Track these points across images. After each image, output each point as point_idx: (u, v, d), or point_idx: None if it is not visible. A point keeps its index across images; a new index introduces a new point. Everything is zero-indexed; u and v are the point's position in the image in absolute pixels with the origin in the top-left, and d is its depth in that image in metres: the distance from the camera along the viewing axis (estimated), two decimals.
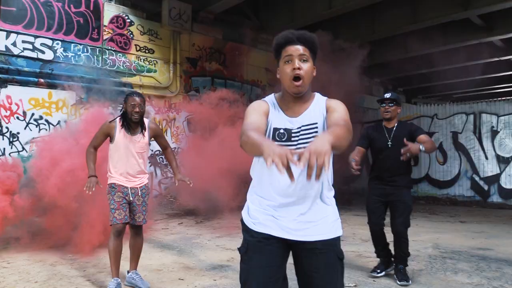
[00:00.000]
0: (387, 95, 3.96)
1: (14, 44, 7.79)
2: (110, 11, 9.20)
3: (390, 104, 3.89)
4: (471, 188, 9.71)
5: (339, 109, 1.85)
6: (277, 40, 1.89)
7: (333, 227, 1.83)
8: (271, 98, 1.98)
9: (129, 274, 3.63)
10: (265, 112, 1.88)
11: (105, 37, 9.06)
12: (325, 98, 1.96)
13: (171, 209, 8.80)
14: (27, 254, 4.67)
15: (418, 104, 10.85)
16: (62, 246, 4.87)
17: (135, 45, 9.61)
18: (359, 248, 5.10)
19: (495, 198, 9.33)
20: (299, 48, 1.82)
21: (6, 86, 7.65)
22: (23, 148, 7.86)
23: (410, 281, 3.75)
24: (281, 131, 1.84)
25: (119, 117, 3.55)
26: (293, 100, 1.89)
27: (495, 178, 9.38)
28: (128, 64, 9.44)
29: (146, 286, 3.50)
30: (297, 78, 1.80)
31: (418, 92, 20.21)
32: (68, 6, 8.50)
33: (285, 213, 1.80)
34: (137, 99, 3.49)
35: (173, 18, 9.99)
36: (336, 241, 1.83)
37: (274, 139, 1.83)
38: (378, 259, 4.09)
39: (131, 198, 3.49)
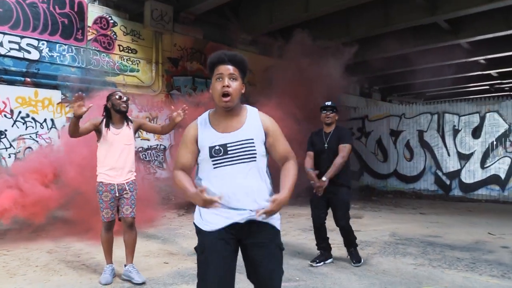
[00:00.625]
0: (328, 103, 4.46)
1: (1, 44, 8.05)
2: (94, 12, 9.51)
3: (330, 111, 4.42)
4: (435, 183, 10.45)
5: (278, 135, 2.15)
6: (211, 59, 2.12)
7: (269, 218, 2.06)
8: (204, 116, 2.19)
9: (126, 267, 3.85)
10: (191, 141, 2.12)
11: (89, 38, 9.37)
12: (256, 110, 2.20)
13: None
14: (24, 243, 5.10)
15: (388, 104, 11.47)
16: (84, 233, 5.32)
17: (119, 45, 9.95)
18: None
19: (456, 192, 10.08)
20: (229, 68, 2.05)
21: None
22: (11, 145, 8.18)
23: (362, 260, 4.33)
24: (217, 147, 2.05)
25: (103, 118, 3.82)
26: (225, 115, 2.11)
27: (456, 174, 10.12)
28: (112, 64, 9.78)
29: (142, 279, 3.69)
30: (225, 94, 2.03)
31: (392, 91, 21.03)
32: (53, 7, 8.79)
33: (232, 212, 2.05)
34: (121, 92, 3.93)
35: (155, 19, 10.34)
36: (274, 230, 2.13)
37: (212, 156, 2.05)
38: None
39: (117, 194, 3.76)
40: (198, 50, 11.79)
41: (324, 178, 4.13)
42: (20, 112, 8.27)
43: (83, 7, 9.31)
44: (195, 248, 2.14)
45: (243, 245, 2.11)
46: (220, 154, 2.04)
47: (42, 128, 8.63)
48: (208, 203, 1.90)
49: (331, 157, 4.25)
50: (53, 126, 8.81)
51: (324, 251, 4.43)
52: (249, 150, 2.06)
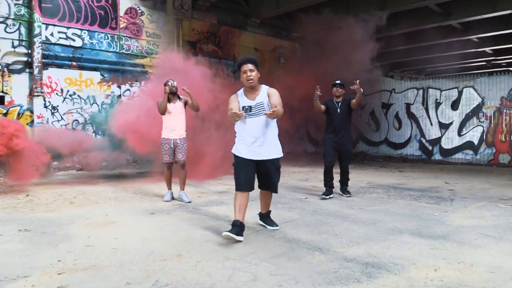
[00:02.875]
0: (338, 81, 6.11)
1: (52, 34, 9.76)
2: (124, 3, 11.10)
3: (339, 87, 6.08)
4: (419, 149, 12.03)
5: (275, 94, 3.87)
6: (239, 62, 3.94)
7: (275, 152, 3.95)
8: (240, 91, 3.99)
9: (180, 193, 5.79)
10: (236, 100, 3.94)
11: (121, 26, 11.01)
12: (266, 87, 3.96)
13: None
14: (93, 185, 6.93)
15: (380, 80, 12.87)
16: None
17: (146, 31, 11.58)
18: (316, 184, 7.42)
19: (437, 156, 11.67)
20: (249, 65, 3.84)
21: (47, 69, 9.68)
22: (62, 118, 9.98)
23: (351, 195, 6.14)
24: (246, 107, 3.87)
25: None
26: (250, 91, 3.91)
27: (437, 141, 11.68)
28: (141, 48, 11.44)
29: (188, 200, 5.65)
30: (250, 80, 3.82)
31: (394, 67, 22.30)
32: (92, 0, 10.41)
33: (252, 145, 3.86)
34: (170, 82, 5.72)
35: (176, 8, 11.92)
36: (277, 159, 3.97)
37: (244, 110, 3.84)
38: (325, 189, 6.16)
39: (172, 145, 5.72)
40: (213, 34, 13.34)
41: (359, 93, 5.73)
42: (68, 91, 10.04)
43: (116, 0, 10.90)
44: (233, 164, 3.93)
45: (258, 165, 3.92)
46: (248, 111, 3.87)
47: (86, 104, 10.42)
48: (238, 115, 3.69)
49: (343, 118, 5.99)
50: (95, 102, 10.59)
51: (330, 188, 6.06)
52: (262, 108, 3.87)
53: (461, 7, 13.68)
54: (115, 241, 3.73)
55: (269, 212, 4.30)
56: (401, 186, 7.19)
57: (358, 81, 5.65)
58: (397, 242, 3.71)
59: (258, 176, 4.03)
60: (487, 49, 19.42)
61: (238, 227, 3.66)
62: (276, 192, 4.11)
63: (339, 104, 6.08)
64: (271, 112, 3.63)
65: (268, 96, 3.89)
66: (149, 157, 8.18)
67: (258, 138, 3.85)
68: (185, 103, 5.88)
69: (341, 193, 6.22)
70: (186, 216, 4.81)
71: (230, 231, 3.60)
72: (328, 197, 5.98)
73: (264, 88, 3.95)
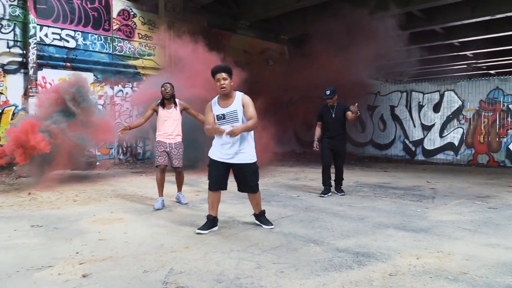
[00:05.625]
0: (328, 92, 6.32)
1: (46, 35, 9.92)
2: (117, 5, 11.30)
3: (330, 97, 6.34)
4: (403, 149, 12.52)
5: (249, 105, 4.05)
6: (212, 70, 4.09)
7: (247, 157, 4.14)
8: (215, 99, 4.21)
9: (177, 194, 5.82)
10: (210, 111, 4.16)
11: (114, 28, 11.21)
12: (241, 93, 4.15)
13: None
14: (92, 185, 7.15)
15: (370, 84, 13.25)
16: None
17: (138, 33, 11.80)
18: (306, 183, 7.79)
19: (420, 157, 12.18)
20: (222, 74, 4.03)
21: (42, 69, 9.83)
22: None
23: (344, 193, 6.52)
24: (220, 115, 4.11)
25: (158, 101, 5.75)
26: (224, 98, 4.12)
27: (420, 142, 12.18)
28: (133, 49, 11.65)
29: (186, 201, 5.70)
30: (223, 88, 4.02)
31: (378, 70, 22.86)
32: (85, 2, 10.59)
33: (225, 149, 4.11)
34: (167, 85, 5.78)
35: (168, 11, 12.16)
36: (252, 163, 4.18)
37: (218, 119, 4.09)
38: (322, 188, 6.50)
39: (167, 149, 5.64)
40: (204, 36, 13.57)
41: (352, 112, 6.13)
42: None
43: (109, 1, 11.10)
44: (208, 165, 4.23)
45: (233, 168, 4.20)
46: (222, 119, 4.11)
47: None
48: (218, 131, 3.94)
49: (337, 123, 6.38)
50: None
51: (328, 187, 6.45)
52: (235, 116, 4.09)
53: (441, 13, 14.30)
54: (125, 235, 4.02)
55: (263, 212, 4.47)
56: (386, 185, 7.61)
57: (356, 104, 6.05)
58: (383, 235, 4.09)
59: (235, 179, 4.29)
60: (468, 53, 20.21)
61: (211, 222, 4.23)
62: (254, 192, 4.30)
63: (334, 108, 6.43)
64: (230, 131, 3.82)
65: (243, 105, 4.09)
66: None
67: (231, 143, 4.08)
68: (183, 110, 5.76)
69: (335, 191, 6.60)
70: (187, 213, 5.12)
71: (201, 228, 4.15)
72: (326, 195, 6.34)
73: (238, 96, 4.16)
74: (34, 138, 6.61)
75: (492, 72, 24.44)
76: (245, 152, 4.13)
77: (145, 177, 8.39)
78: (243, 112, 4.08)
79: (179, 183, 5.86)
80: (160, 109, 5.71)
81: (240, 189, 4.31)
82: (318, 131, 6.59)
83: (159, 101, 5.78)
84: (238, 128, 3.89)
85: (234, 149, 4.09)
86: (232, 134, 3.85)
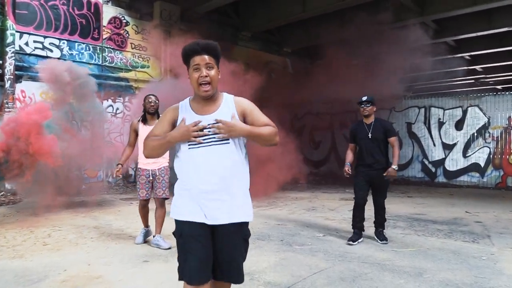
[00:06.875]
0: (364, 98, 4.82)
1: (26, 44, 8.79)
2: (108, 12, 10.24)
3: (368, 105, 4.82)
4: (422, 170, 11.44)
5: (255, 110, 2.16)
6: (185, 50, 2.06)
7: (242, 212, 2.10)
8: (185, 101, 2.18)
9: (154, 237, 4.55)
10: (169, 122, 2.13)
11: (104, 37, 10.12)
12: (232, 96, 2.17)
13: None
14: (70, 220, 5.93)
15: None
16: None
17: (131, 43, 10.71)
18: (326, 214, 6.61)
19: (441, 179, 11.09)
20: (205, 58, 2.02)
21: (20, 82, 8.67)
22: None
23: (387, 242, 4.80)
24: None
25: (140, 116, 4.68)
26: (204, 102, 2.10)
27: (441, 162, 11.11)
28: (125, 60, 10.55)
29: (168, 245, 4.41)
30: (205, 84, 2.02)
31: None
32: (72, 8, 9.51)
33: (202, 196, 2.05)
34: (152, 97, 4.65)
35: (164, 19, 11.10)
36: (244, 224, 2.14)
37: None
38: (350, 225, 5.05)
39: (150, 178, 4.55)
40: None
41: (394, 167, 4.64)
42: None
43: (99, 8, 10.03)
44: (173, 233, 2.15)
45: (213, 233, 2.09)
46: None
47: None
48: (186, 133, 2.01)
49: (375, 144, 4.76)
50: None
51: (359, 231, 4.89)
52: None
53: (454, 24, 13.40)
54: None
55: None
56: (421, 217, 6.46)
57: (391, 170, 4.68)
58: None
59: (213, 253, 2.11)
60: (477, 67, 19.34)
61: None
62: (240, 282, 2.17)
63: (371, 126, 4.86)
64: (224, 124, 2.02)
65: (242, 113, 2.14)
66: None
67: (215, 184, 2.05)
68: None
69: (375, 237, 4.98)
70: None
71: None
72: (356, 243, 4.79)
73: (228, 99, 2.17)
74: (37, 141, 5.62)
75: (499, 87, 23.64)
76: (240, 201, 2.12)
77: (135, 206, 7.15)
78: (249, 123, 2.14)
79: (159, 222, 4.60)
80: (141, 127, 4.67)
81: (218, 273, 2.12)
82: (350, 156, 5.01)
83: (139, 117, 4.71)
84: (238, 126, 2.06)
85: (222, 195, 2.06)
86: (227, 131, 2.03)
